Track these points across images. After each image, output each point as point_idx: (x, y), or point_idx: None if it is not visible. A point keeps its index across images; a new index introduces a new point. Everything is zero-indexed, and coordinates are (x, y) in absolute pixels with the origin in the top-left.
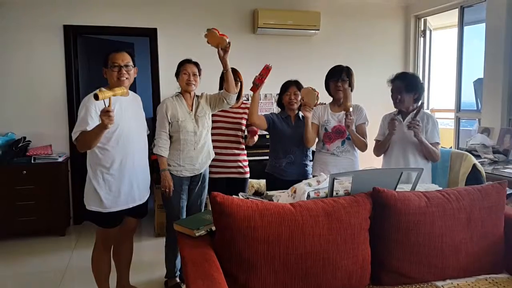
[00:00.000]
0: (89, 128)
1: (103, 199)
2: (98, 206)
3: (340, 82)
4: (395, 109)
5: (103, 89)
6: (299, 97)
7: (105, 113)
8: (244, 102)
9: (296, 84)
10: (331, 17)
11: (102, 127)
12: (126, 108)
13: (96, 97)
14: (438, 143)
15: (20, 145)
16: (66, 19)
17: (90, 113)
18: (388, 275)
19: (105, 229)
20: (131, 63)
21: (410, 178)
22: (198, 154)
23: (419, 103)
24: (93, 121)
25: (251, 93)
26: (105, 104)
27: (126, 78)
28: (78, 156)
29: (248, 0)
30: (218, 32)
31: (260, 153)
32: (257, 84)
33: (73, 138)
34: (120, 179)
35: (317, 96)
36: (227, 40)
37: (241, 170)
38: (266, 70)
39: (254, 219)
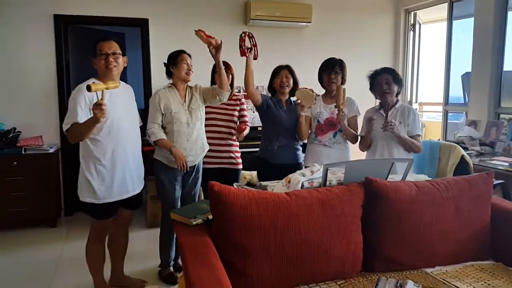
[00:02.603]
0: (79, 119)
1: (96, 190)
2: (91, 197)
3: (333, 74)
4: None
5: (96, 81)
6: (291, 80)
7: (98, 106)
8: (236, 94)
9: (287, 68)
10: (322, 10)
11: (94, 120)
12: (116, 98)
13: (89, 89)
14: (419, 135)
15: (10, 135)
16: (56, 8)
17: (80, 104)
18: (380, 262)
19: (100, 221)
20: (118, 51)
21: (395, 169)
22: (192, 146)
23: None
24: (83, 112)
25: (242, 84)
26: (97, 97)
27: (114, 66)
28: (69, 147)
29: None
30: (205, 34)
31: (252, 145)
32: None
33: (64, 130)
34: (113, 169)
35: (315, 97)
36: (218, 41)
37: (233, 160)
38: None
39: (251, 208)
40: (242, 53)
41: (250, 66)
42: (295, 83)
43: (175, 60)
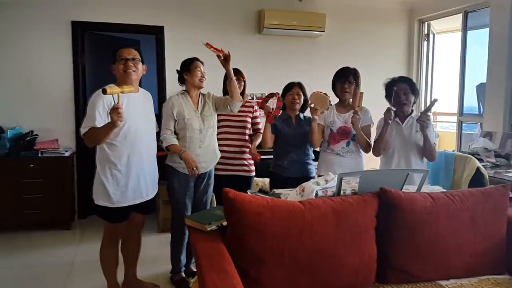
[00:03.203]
0: (97, 124)
1: (111, 194)
2: (106, 201)
3: (347, 84)
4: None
5: (112, 85)
6: (302, 98)
7: (114, 110)
8: (249, 101)
9: (299, 85)
10: (336, 19)
11: (112, 125)
12: (134, 103)
13: (104, 91)
14: (435, 143)
15: (28, 138)
16: (74, 15)
17: (98, 108)
18: (394, 273)
19: (113, 224)
20: (138, 57)
21: (412, 180)
22: (204, 153)
23: (433, 99)
24: (101, 117)
25: (256, 92)
26: (114, 101)
27: (133, 71)
28: (84, 150)
29: (254, 0)
30: (210, 47)
31: (264, 152)
32: (274, 116)
33: (81, 133)
34: (128, 174)
35: (329, 101)
36: (226, 52)
37: (246, 168)
38: (278, 100)
39: (265, 215)
40: (270, 119)
41: (269, 129)
42: (305, 100)
43: (188, 67)
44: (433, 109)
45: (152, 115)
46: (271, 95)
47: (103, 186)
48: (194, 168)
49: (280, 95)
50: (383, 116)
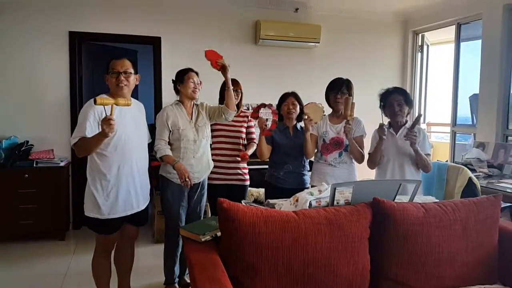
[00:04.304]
0: (87, 134)
1: (101, 205)
2: (96, 212)
3: (339, 94)
4: (386, 123)
5: (104, 96)
6: (298, 107)
7: (107, 121)
8: (244, 111)
9: (293, 95)
10: (331, 30)
11: (102, 135)
12: (125, 114)
13: (95, 102)
14: (429, 154)
15: (23, 148)
16: (71, 25)
17: (89, 118)
18: (387, 283)
19: (104, 236)
20: (130, 70)
21: (406, 190)
22: (198, 163)
23: (417, 114)
24: (91, 127)
25: (251, 102)
26: (106, 113)
27: (125, 85)
28: (80, 161)
29: (250, 12)
30: (215, 53)
31: (259, 162)
32: (270, 129)
33: (72, 143)
34: (118, 185)
35: (323, 112)
36: (225, 62)
37: (241, 177)
38: (274, 113)
39: (259, 225)
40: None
41: (264, 141)
42: (301, 109)
43: (181, 78)
44: (427, 120)
45: (143, 126)
46: (263, 105)
47: (93, 197)
48: (187, 179)
49: (275, 107)
50: (376, 131)
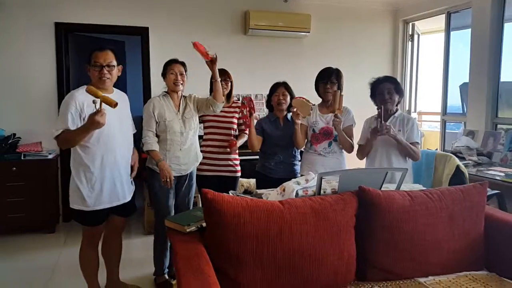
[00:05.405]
0: (69, 126)
1: (86, 197)
2: (81, 204)
3: (329, 84)
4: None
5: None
6: (288, 97)
7: (98, 112)
8: (235, 101)
9: (284, 85)
10: (321, 20)
11: (91, 127)
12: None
13: (89, 90)
14: (418, 143)
15: (10, 141)
16: (57, 16)
17: (71, 110)
18: (373, 271)
19: (90, 227)
20: (113, 63)
21: (394, 178)
22: (185, 155)
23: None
24: (73, 118)
25: (242, 92)
26: (95, 107)
27: (108, 78)
28: (68, 153)
29: (240, 1)
30: (198, 47)
31: (250, 153)
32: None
33: (54, 135)
34: (102, 177)
35: (311, 108)
36: (213, 54)
37: (232, 168)
38: (249, 102)
39: (244, 216)
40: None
41: (254, 134)
42: (292, 99)
43: (164, 69)
44: (418, 109)
45: (127, 117)
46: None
47: (78, 190)
48: (168, 180)
49: (252, 101)
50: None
